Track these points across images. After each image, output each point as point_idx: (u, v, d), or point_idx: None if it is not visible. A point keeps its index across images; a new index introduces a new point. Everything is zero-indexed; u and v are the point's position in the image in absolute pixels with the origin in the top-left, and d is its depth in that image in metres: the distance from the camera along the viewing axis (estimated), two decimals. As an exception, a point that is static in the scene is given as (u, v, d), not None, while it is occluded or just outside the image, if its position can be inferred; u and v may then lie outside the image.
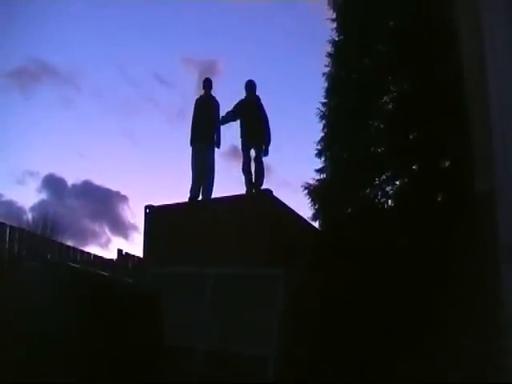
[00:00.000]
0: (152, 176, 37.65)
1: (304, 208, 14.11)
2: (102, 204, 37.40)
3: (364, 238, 10.63)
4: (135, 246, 29.36)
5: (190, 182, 11.48)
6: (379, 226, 11.02)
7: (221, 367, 8.57)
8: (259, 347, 8.36)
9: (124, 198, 44.98)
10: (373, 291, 9.91)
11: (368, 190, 12.81)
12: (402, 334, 9.14)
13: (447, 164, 12.41)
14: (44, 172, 47.49)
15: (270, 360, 8.23)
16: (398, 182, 12.89)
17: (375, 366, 8.62)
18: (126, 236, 37.99)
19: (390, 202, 12.88)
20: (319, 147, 13.56)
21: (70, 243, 10.38)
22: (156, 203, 11.19)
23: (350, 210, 12.58)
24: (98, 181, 49.82)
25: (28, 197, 45.73)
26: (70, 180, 48.42)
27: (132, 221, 40.21)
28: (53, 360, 6.62)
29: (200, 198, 11.44)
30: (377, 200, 12.77)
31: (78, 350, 6.89)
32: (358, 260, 10.22)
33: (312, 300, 9.81)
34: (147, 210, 10.99)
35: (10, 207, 28.16)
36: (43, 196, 37.98)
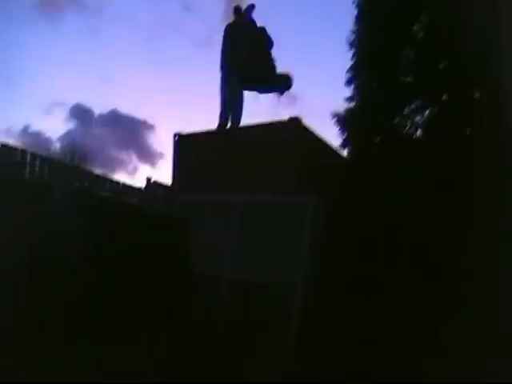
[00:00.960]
0: (179, 104, 37.55)
1: (332, 137, 14.00)
2: (130, 133, 37.54)
3: (393, 167, 10.55)
4: (163, 174, 29.56)
5: (219, 109, 11.40)
6: (408, 156, 10.92)
7: (247, 296, 8.70)
8: (286, 276, 8.45)
9: (151, 127, 45.08)
10: (403, 221, 9.88)
11: (397, 120, 12.66)
12: (430, 262, 9.14)
13: (477, 95, 12.19)
14: (71, 102, 47.65)
15: (297, 289, 8.34)
16: (427, 112, 12.72)
17: (405, 295, 8.63)
18: (153, 164, 38.21)
19: (418, 131, 12.75)
20: (349, 76, 13.38)
21: (98, 172, 10.39)
22: (184, 131, 11.20)
23: (378, 139, 12.47)
24: (125, 109, 49.93)
25: (56, 127, 45.86)
26: (97, 109, 48.57)
27: (159, 149, 40.38)
28: (85, 285, 6.75)
29: (229, 125, 11.38)
30: (406, 130, 12.63)
31: (109, 275, 7.02)
32: (386, 189, 10.16)
33: (341, 229, 9.83)
34: (175, 138, 10.99)
35: (37, 138, 28.37)
36: (71, 126, 38.18)
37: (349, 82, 13.31)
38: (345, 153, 12.98)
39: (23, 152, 8.22)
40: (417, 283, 8.73)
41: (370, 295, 8.84)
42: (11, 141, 8.15)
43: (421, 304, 8.29)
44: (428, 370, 6.79)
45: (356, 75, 13.30)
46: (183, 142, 10.98)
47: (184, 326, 7.67)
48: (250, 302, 8.48)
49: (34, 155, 8.44)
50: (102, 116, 37.21)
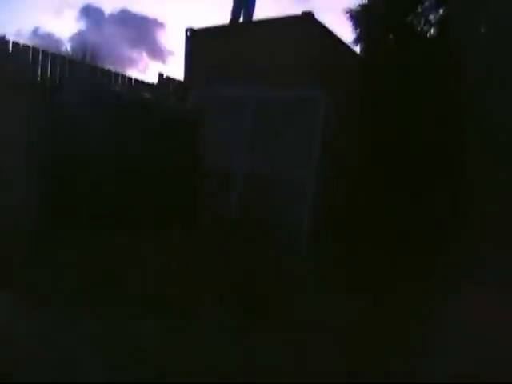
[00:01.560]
0: (191, 1, 36.84)
1: (345, 34, 13.77)
2: (140, 31, 37.06)
3: (404, 65, 10.47)
4: (175, 71, 29.37)
5: (231, 4, 11.27)
6: (421, 54, 10.80)
7: (260, 190, 8.85)
8: (298, 171, 8.59)
9: (161, 25, 44.36)
10: (412, 121, 9.87)
11: (411, 17, 12.44)
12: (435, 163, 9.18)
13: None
14: (81, 2, 46.75)
15: (309, 183, 8.48)
16: (441, 11, 12.48)
17: (412, 196, 8.75)
18: (164, 61, 37.96)
19: (432, 30, 12.54)
20: (362, -28, 13.06)
21: (110, 69, 10.37)
22: (196, 27, 11.11)
23: (391, 36, 12.29)
24: (136, 8, 49.05)
25: (66, 28, 45.14)
26: (108, 9, 47.69)
27: (170, 47, 39.88)
28: (102, 177, 6.89)
29: (241, 19, 11.26)
30: (419, 28, 12.43)
31: (123, 170, 7.14)
32: (398, 88, 10.12)
33: (351, 123, 9.87)
34: (188, 33, 10.90)
35: (48, 39, 28.03)
36: (81, 26, 37.61)
37: (362, -22, 13.02)
38: (357, 50, 12.84)
39: (35, 50, 8.22)
40: (422, 183, 8.81)
41: (378, 194, 8.95)
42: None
43: (426, 203, 8.39)
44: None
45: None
46: (195, 37, 10.89)
47: (197, 220, 7.85)
48: (262, 196, 8.64)
49: (45, 53, 8.44)
50: (112, 15, 36.71)
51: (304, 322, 5.15)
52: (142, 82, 10.30)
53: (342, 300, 5.66)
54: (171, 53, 41.15)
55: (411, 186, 8.97)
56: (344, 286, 6.10)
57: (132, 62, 35.28)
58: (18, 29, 33.58)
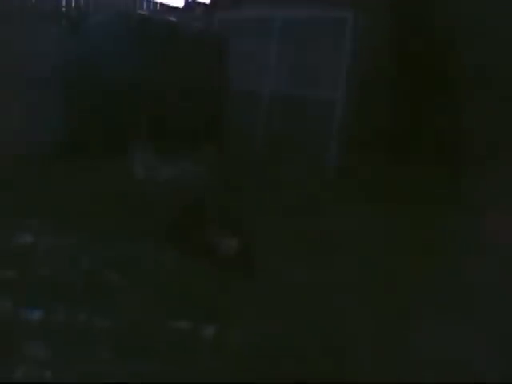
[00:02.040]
0: None
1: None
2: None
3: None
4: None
5: None
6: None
7: (288, 110, 8.82)
8: (327, 91, 8.51)
9: None
10: (443, 40, 9.57)
11: None
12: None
13: None
14: None
15: (338, 104, 8.42)
16: None
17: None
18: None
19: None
20: None
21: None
22: None
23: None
24: None
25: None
26: None
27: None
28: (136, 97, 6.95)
29: None
30: None
31: (151, 92, 7.18)
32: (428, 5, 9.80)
33: (380, 45, 9.67)
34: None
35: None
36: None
37: None
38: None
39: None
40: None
41: (407, 116, 8.81)
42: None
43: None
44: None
45: None
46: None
47: (224, 139, 7.90)
48: (290, 117, 8.61)
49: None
50: None
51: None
52: (168, 6, 10.23)
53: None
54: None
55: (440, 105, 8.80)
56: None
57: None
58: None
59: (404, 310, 3.71)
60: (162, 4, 10.09)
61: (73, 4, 8.37)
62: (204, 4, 10.86)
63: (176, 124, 7.32)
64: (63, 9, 8.19)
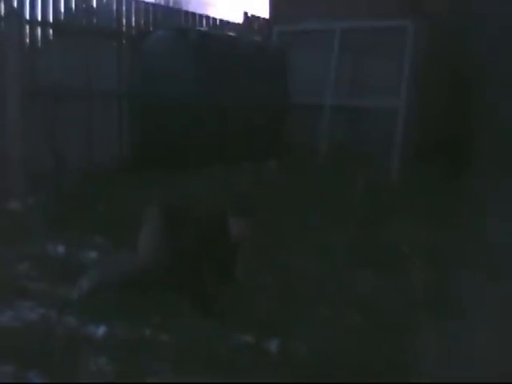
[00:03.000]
0: None
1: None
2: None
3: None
4: (260, 10, 29.18)
5: None
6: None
7: (350, 120, 8.75)
8: (389, 100, 8.42)
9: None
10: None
11: None
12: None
13: None
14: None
15: (400, 112, 8.30)
16: None
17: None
18: (248, 1, 37.74)
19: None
20: None
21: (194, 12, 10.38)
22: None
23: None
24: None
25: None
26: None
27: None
28: (195, 113, 7.00)
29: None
30: None
31: (212, 107, 7.22)
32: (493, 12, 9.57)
33: (442, 53, 9.54)
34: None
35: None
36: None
37: None
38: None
39: (118, 0, 8.29)
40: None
41: (466, 122, 8.61)
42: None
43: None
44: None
45: None
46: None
47: (286, 152, 7.87)
48: (352, 127, 8.56)
49: (128, 2, 8.50)
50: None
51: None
52: (228, 22, 10.29)
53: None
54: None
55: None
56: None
57: (215, 4, 35.25)
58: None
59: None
60: (221, 20, 10.15)
61: (133, 23, 8.52)
62: (263, 18, 10.90)
63: (239, 139, 7.34)
64: (123, 27, 8.34)
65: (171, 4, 19.01)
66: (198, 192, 5.44)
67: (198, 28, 9.09)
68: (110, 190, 6.16)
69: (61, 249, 4.84)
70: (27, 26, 7.24)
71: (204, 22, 9.81)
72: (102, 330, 3.42)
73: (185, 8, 13.87)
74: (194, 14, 9.84)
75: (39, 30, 7.42)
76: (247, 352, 3.26)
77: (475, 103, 8.70)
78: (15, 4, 7.05)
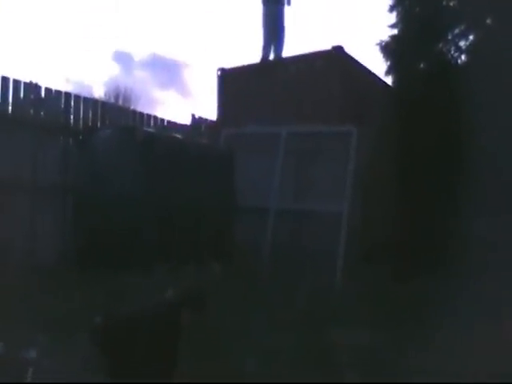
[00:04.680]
0: (219, 39, 37.59)
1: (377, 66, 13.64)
2: (171, 73, 37.77)
3: (437, 93, 10.36)
4: (206, 110, 29.70)
5: (261, 42, 11.34)
6: (452, 81, 10.68)
7: (295, 223, 8.81)
8: (333, 204, 8.53)
9: (190, 66, 45.00)
10: (447, 148, 9.73)
11: (441, 45, 12.35)
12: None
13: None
14: (110, 48, 47.77)
15: (344, 216, 8.41)
16: (471, 37, 12.37)
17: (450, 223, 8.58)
18: (196, 102, 38.61)
19: (463, 57, 12.42)
20: (391, 3, 13.03)
21: (142, 111, 10.51)
22: (227, 66, 11.23)
23: (422, 65, 12.21)
24: (164, 52, 49.88)
25: (97, 74, 45.96)
26: (137, 54, 48.76)
27: (201, 87, 40.46)
28: (137, 216, 6.94)
29: (271, 57, 11.32)
30: (450, 55, 12.34)
31: (158, 208, 7.19)
32: (430, 115, 10.01)
33: (385, 157, 9.81)
34: (219, 73, 11.02)
35: (80, 86, 28.63)
36: (112, 72, 38.46)
37: (391, 9, 12.99)
38: (389, 81, 12.79)
39: (67, 95, 8.35)
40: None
41: (414, 220, 8.80)
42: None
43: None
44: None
45: (399, 1, 12.97)
46: (227, 76, 11.00)
47: (231, 254, 7.84)
48: (296, 231, 8.61)
49: (77, 97, 8.57)
50: (142, 60, 37.64)
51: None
52: (175, 123, 10.40)
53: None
54: (202, 93, 41.81)
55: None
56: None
57: (164, 103, 35.98)
58: (50, 76, 34.34)
59: None
60: (169, 121, 10.26)
61: (81, 118, 8.55)
62: (210, 120, 11.06)
63: (184, 239, 7.32)
64: (71, 122, 8.35)
65: (120, 101, 19.21)
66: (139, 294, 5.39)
67: (145, 128, 9.15)
68: (52, 287, 6.00)
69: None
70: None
71: (152, 121, 9.91)
72: None
73: (134, 106, 14.05)
74: (141, 114, 9.95)
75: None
76: None
77: (420, 203, 8.92)
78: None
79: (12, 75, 7.59)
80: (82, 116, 8.56)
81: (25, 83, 7.73)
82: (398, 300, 6.44)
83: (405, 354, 4.98)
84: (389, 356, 4.97)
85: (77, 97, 8.59)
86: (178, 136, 9.25)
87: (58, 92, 8.26)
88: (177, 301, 3.91)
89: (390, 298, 6.56)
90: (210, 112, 11.21)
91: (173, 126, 10.27)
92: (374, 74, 11.27)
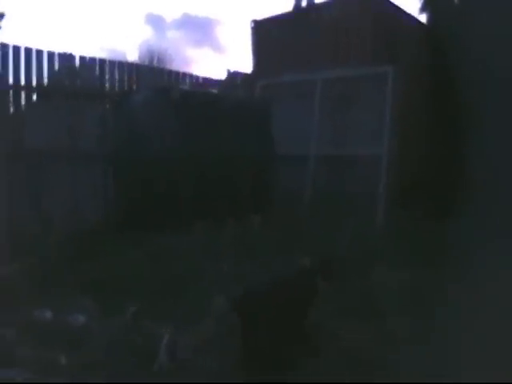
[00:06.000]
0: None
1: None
2: (203, 31, 37.66)
3: (472, 29, 10.07)
4: (241, 64, 29.57)
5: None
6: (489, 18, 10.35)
7: (334, 170, 8.78)
8: (372, 147, 8.49)
9: (223, 23, 44.81)
10: (484, 88, 9.47)
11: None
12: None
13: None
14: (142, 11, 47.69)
15: (384, 159, 8.37)
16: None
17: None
18: (231, 58, 38.52)
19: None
20: None
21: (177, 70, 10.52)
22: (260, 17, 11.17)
23: (457, 1, 11.89)
24: (195, 11, 49.63)
25: (130, 38, 45.95)
26: (168, 16, 48.62)
27: (235, 42, 40.30)
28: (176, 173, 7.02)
29: (304, 3, 11.18)
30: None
31: (196, 165, 7.26)
32: (466, 54, 9.74)
33: (419, 97, 9.69)
34: (252, 24, 10.98)
35: (114, 51, 28.73)
36: (145, 35, 38.50)
37: None
38: (423, 19, 12.48)
39: (101, 62, 8.42)
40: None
41: (450, 160, 8.66)
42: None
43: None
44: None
45: None
46: (260, 27, 10.94)
47: (272, 204, 7.86)
48: (336, 176, 8.59)
49: (112, 62, 8.63)
50: (174, 20, 37.60)
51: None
52: (210, 79, 10.41)
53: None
54: (237, 48, 41.59)
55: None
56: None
57: (198, 62, 36.00)
58: (84, 45, 34.47)
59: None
60: (204, 78, 10.27)
61: (116, 83, 8.62)
62: (245, 73, 11.04)
63: (225, 194, 7.36)
64: (107, 88, 8.43)
65: (155, 63, 19.21)
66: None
67: (181, 87, 9.18)
68: (97, 252, 6.11)
69: (48, 314, 4.78)
70: (11, 91, 7.37)
71: (187, 80, 9.92)
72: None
73: (169, 66, 14.07)
74: (177, 73, 9.97)
75: (23, 94, 7.53)
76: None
77: (456, 142, 8.77)
78: (-1, 69, 7.18)
79: (46, 47, 7.71)
80: (117, 81, 8.65)
81: (59, 54, 7.84)
82: (435, 239, 6.38)
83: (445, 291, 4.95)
84: (429, 293, 4.95)
85: (111, 62, 8.65)
86: (214, 91, 9.26)
87: (93, 59, 8.34)
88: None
89: (428, 238, 6.51)
90: (246, 66, 11.16)
91: (208, 82, 10.28)
92: (407, 14, 11.04)
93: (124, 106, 7.88)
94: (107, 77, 8.54)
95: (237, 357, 3.63)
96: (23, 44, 7.56)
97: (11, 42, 7.46)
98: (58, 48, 7.93)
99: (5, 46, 7.41)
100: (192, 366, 3.71)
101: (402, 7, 10.70)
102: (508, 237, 5.72)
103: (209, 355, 3.76)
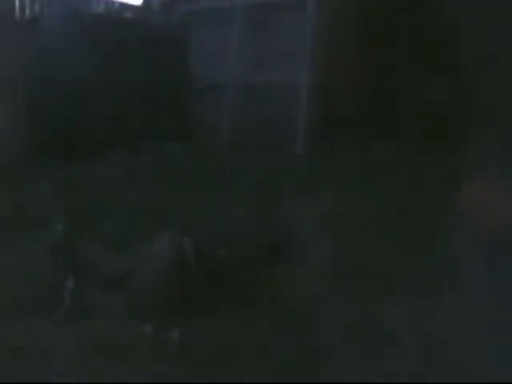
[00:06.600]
0: None
1: None
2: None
3: None
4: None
5: None
6: None
7: (254, 98, 8.63)
8: (294, 74, 8.31)
9: None
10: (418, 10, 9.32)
11: None
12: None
13: None
14: None
15: (302, 87, 8.22)
16: None
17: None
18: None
19: None
20: None
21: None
22: None
23: None
24: None
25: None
26: None
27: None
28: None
29: None
30: None
31: (109, 94, 7.04)
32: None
33: (346, 24, 9.50)
34: None
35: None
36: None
37: None
38: None
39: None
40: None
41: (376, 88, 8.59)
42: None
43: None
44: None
45: None
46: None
47: (190, 135, 7.72)
48: (255, 104, 8.45)
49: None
50: None
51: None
52: (126, 4, 10.05)
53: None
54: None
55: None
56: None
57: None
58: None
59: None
60: (120, 2, 9.87)
61: (27, 4, 8.23)
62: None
63: (139, 124, 7.18)
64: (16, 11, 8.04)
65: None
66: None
67: (94, 11, 8.81)
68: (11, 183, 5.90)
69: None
70: None
71: (101, 4, 9.54)
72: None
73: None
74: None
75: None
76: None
77: (386, 71, 8.67)
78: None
79: None
80: (27, 4, 8.25)
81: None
82: (359, 166, 6.35)
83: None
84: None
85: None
86: (128, 16, 8.93)
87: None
88: None
89: (351, 166, 6.47)
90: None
91: (124, 7, 9.89)
92: None
93: (34, 29, 7.53)
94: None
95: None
96: None
97: None
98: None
99: None
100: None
101: None
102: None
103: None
